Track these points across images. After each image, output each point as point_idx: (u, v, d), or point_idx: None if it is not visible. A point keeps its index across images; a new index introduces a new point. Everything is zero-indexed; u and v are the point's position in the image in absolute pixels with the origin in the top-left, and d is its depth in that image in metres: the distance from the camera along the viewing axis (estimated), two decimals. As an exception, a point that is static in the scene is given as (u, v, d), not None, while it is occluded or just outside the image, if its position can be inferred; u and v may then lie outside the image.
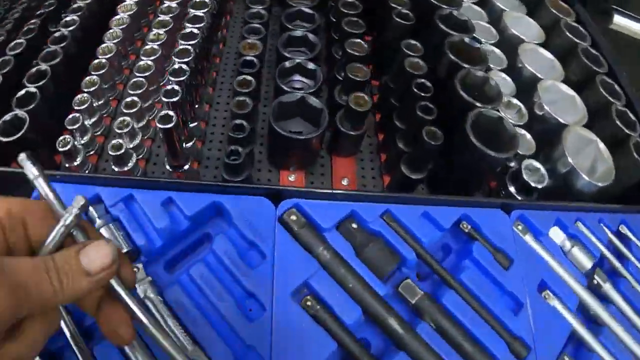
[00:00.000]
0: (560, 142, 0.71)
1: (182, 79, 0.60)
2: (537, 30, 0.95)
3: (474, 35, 0.83)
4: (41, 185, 0.34)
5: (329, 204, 0.60)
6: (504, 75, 0.85)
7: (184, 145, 0.71)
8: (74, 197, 0.32)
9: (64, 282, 0.29)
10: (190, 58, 0.64)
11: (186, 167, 0.71)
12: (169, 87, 0.60)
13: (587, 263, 0.63)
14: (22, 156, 0.34)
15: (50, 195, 0.33)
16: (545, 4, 1.00)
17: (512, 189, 0.74)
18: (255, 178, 0.78)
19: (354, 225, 0.60)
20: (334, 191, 0.59)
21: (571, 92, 0.82)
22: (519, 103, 0.81)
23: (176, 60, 0.62)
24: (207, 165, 0.80)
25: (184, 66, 0.61)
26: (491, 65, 0.83)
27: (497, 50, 0.89)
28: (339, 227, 0.60)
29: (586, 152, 0.73)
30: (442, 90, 0.74)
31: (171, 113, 0.59)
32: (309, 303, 0.54)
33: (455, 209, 0.63)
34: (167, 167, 0.70)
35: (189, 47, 0.70)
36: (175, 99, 0.58)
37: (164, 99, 0.59)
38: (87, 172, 0.74)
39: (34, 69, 0.70)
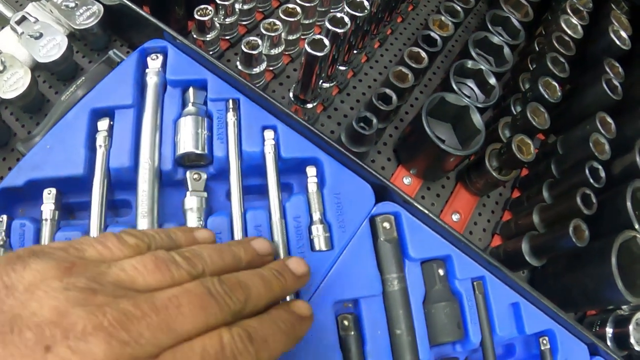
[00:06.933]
0: None
1: (358, 14, 0.51)
2: None
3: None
4: None
5: (431, 235, 0.49)
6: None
7: (320, 83, 0.62)
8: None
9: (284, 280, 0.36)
10: (374, -1, 0.54)
11: (310, 105, 0.62)
12: (339, 14, 0.51)
13: None
14: None
15: None
16: None
17: (608, 331, 0.60)
18: (370, 158, 0.68)
19: (441, 272, 0.49)
20: (444, 224, 0.48)
21: None
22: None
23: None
24: (330, 115, 0.71)
25: (366, 2, 0.52)
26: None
27: None
28: (424, 264, 0.49)
29: None
30: (611, 188, 0.59)
31: (327, 42, 0.49)
32: (346, 322, 0.45)
33: (547, 318, 0.50)
34: (290, 94, 0.62)
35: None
36: (340, 30, 0.49)
37: (327, 24, 0.49)
38: (211, 53, 0.68)
39: None
